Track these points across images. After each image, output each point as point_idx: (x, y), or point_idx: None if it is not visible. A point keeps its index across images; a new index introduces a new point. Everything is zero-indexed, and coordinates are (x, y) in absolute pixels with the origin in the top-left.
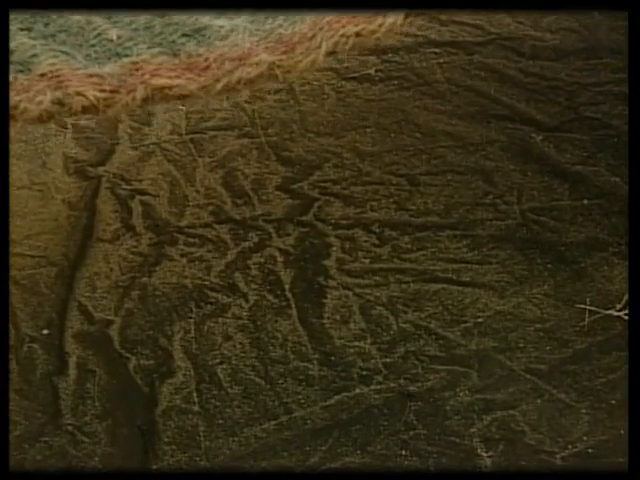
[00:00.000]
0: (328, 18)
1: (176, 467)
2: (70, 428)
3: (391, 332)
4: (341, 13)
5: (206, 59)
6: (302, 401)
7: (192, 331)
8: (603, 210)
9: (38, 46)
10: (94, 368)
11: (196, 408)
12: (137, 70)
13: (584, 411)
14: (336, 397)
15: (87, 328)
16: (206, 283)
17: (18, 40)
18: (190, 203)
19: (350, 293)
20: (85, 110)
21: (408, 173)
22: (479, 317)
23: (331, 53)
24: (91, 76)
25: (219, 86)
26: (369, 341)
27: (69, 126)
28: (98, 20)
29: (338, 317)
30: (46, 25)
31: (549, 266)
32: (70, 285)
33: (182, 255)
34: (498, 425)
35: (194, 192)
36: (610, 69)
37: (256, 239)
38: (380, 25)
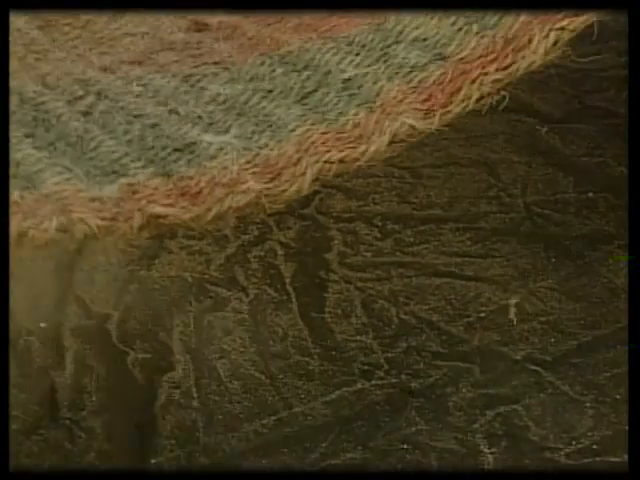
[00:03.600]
0: (313, 138)
1: (174, 463)
2: (67, 422)
3: (393, 327)
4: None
5: (197, 183)
6: (302, 396)
7: (191, 325)
8: (608, 203)
9: (43, 159)
10: (92, 362)
11: (195, 403)
12: (134, 194)
13: (588, 405)
14: (337, 392)
15: (85, 322)
16: (206, 277)
17: (24, 151)
18: None
19: (352, 287)
20: (86, 237)
21: (411, 165)
22: (482, 311)
23: (316, 180)
24: (93, 200)
25: (210, 216)
26: (371, 336)
27: None
28: (95, 129)
29: (339, 311)
30: (47, 130)
31: (553, 260)
32: (68, 278)
33: (181, 248)
34: (501, 421)
35: None
36: (615, 52)
37: (256, 232)
38: (363, 153)
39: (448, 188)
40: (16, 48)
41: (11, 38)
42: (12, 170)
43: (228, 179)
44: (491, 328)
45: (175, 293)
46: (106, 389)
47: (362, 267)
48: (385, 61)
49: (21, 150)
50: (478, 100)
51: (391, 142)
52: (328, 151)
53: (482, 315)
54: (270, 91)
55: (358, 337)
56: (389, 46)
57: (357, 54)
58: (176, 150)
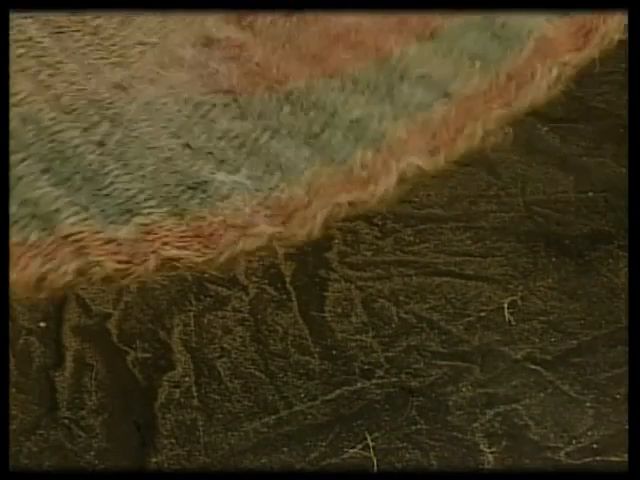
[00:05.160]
0: (322, 180)
1: (175, 461)
2: (66, 422)
3: (393, 326)
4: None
5: (210, 224)
6: (302, 395)
7: (191, 324)
8: (608, 203)
9: (60, 198)
10: (92, 362)
11: (195, 402)
12: (149, 234)
13: (588, 404)
14: (337, 391)
15: (85, 321)
16: (206, 276)
17: (42, 189)
18: None
19: (352, 286)
20: (102, 280)
21: None
22: (482, 311)
23: (326, 223)
24: (109, 242)
25: (222, 259)
26: (371, 335)
27: None
28: (110, 162)
29: (340, 310)
30: (62, 164)
31: (553, 259)
32: None
33: None
34: (501, 420)
35: None
36: (616, 58)
37: None
38: (372, 194)
39: (448, 187)
40: (29, 63)
41: (23, 50)
42: (30, 209)
43: (241, 221)
44: (491, 327)
45: (175, 292)
46: (106, 388)
47: (362, 266)
48: (390, 101)
49: (39, 188)
50: (484, 138)
51: (399, 181)
52: (337, 193)
53: (482, 314)
54: (277, 130)
55: (358, 336)
56: (394, 84)
57: (362, 93)
58: (189, 188)
